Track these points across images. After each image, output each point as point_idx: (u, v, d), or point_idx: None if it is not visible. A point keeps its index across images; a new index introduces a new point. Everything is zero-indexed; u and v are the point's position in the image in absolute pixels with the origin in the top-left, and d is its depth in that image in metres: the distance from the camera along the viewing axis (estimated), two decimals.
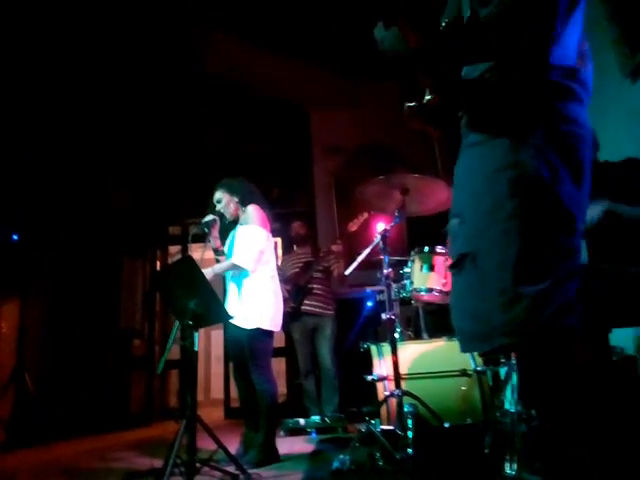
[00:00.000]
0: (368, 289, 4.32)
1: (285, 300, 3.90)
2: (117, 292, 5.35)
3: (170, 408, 6.20)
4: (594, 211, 1.95)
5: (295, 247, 4.35)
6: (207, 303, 2.26)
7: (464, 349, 1.16)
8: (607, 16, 2.61)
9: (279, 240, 6.32)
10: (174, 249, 6.33)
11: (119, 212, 5.50)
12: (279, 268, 4.13)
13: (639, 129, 2.64)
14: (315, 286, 3.99)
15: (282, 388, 5.58)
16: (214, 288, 2.50)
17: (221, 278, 2.96)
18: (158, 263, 5.97)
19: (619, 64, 2.60)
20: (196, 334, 2.57)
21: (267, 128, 5.67)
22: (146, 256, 5.81)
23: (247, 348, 2.74)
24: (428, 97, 1.23)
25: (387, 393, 2.10)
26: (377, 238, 2.25)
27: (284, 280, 4.09)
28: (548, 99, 1.09)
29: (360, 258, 2.53)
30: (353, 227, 3.74)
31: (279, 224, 5.96)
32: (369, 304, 4.36)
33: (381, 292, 3.89)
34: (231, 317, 2.45)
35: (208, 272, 2.66)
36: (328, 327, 3.94)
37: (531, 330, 1.00)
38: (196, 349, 2.68)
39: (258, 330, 2.73)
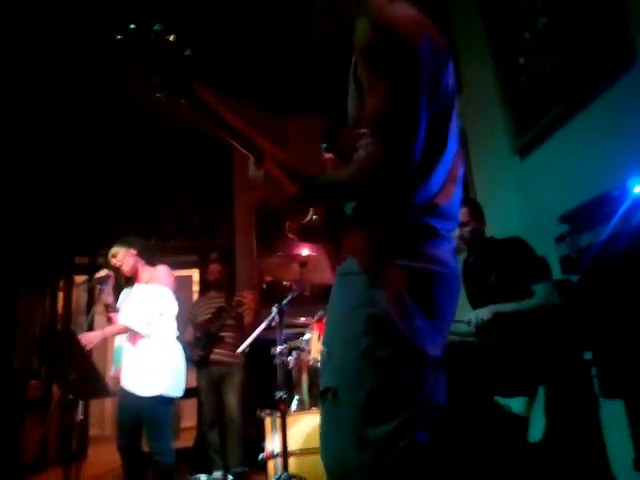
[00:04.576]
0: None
1: (192, 347, 3.76)
2: (11, 328, 4.91)
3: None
4: (483, 313, 2.18)
5: (211, 290, 4.17)
6: (87, 378, 2.12)
7: None
8: (499, 102, 2.83)
9: (196, 272, 6.15)
10: (81, 278, 5.94)
11: (15, 238, 5.07)
12: (190, 312, 3.99)
13: (526, 201, 2.84)
14: (226, 334, 3.84)
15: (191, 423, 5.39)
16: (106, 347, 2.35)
17: (111, 339, 2.79)
18: (61, 295, 5.56)
19: (510, 143, 2.80)
20: (81, 402, 2.42)
21: (187, 159, 5.52)
22: (46, 288, 5.38)
23: (146, 417, 2.54)
24: (310, 217, 1.24)
25: (274, 478, 2.06)
26: (273, 312, 2.22)
27: (195, 326, 3.95)
28: (405, 238, 1.11)
29: (254, 335, 2.49)
30: (269, 277, 3.66)
31: (197, 256, 5.80)
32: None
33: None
34: (112, 395, 2.32)
35: (97, 335, 2.49)
36: (236, 376, 3.81)
37: (379, 475, 0.99)
38: (81, 417, 2.51)
39: (160, 397, 2.55)
